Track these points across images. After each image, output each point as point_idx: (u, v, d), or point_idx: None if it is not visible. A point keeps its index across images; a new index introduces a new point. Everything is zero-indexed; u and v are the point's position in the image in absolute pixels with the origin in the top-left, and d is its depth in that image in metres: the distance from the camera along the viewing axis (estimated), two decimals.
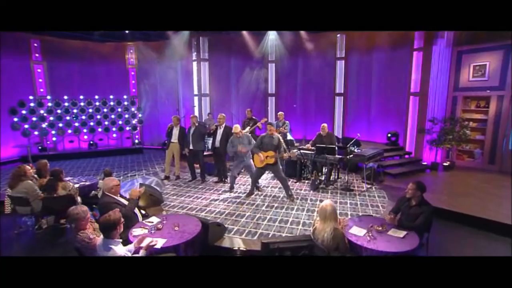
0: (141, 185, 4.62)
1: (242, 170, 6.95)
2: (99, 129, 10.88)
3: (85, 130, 10.69)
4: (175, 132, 7.01)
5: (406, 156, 8.49)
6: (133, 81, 11.74)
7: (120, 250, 2.64)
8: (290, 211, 5.18)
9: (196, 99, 10.74)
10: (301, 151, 6.83)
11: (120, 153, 10.63)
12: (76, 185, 5.15)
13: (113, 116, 11.01)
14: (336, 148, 6.45)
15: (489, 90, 7.32)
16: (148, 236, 3.14)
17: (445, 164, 7.66)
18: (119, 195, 3.77)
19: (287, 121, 8.02)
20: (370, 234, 3.20)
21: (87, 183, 5.53)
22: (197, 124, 6.85)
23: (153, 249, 2.94)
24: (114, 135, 11.16)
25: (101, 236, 2.70)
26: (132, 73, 11.65)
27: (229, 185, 6.30)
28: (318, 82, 10.72)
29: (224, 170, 6.90)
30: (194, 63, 10.60)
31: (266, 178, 7.06)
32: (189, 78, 10.86)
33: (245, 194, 5.95)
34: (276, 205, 5.46)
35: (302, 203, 5.57)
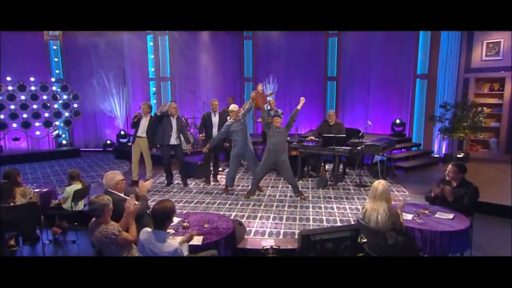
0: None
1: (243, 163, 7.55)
2: (14, 125, 10.55)
3: None
4: (144, 123, 7.16)
5: (414, 148, 9.74)
6: (56, 59, 11.52)
7: (173, 242, 3.10)
8: (306, 209, 5.89)
9: (152, 84, 11.00)
10: (303, 143, 7.61)
11: (45, 158, 10.35)
12: None
13: (35, 106, 10.75)
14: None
15: (504, 71, 8.81)
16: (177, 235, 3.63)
17: (459, 155, 8.99)
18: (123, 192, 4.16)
19: (280, 110, 8.73)
20: (419, 217, 4.07)
21: (44, 189, 5.66)
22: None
23: (195, 247, 3.44)
24: (38, 132, 10.92)
25: (148, 229, 3.14)
26: (54, 47, 11.39)
27: (220, 186, 6.81)
28: (305, 64, 11.66)
29: (213, 167, 7.50)
30: (149, 38, 10.87)
31: (264, 178, 7.65)
32: (141, 56, 11.08)
33: (244, 196, 6.52)
34: (287, 204, 6.13)
35: (316, 200, 6.32)
